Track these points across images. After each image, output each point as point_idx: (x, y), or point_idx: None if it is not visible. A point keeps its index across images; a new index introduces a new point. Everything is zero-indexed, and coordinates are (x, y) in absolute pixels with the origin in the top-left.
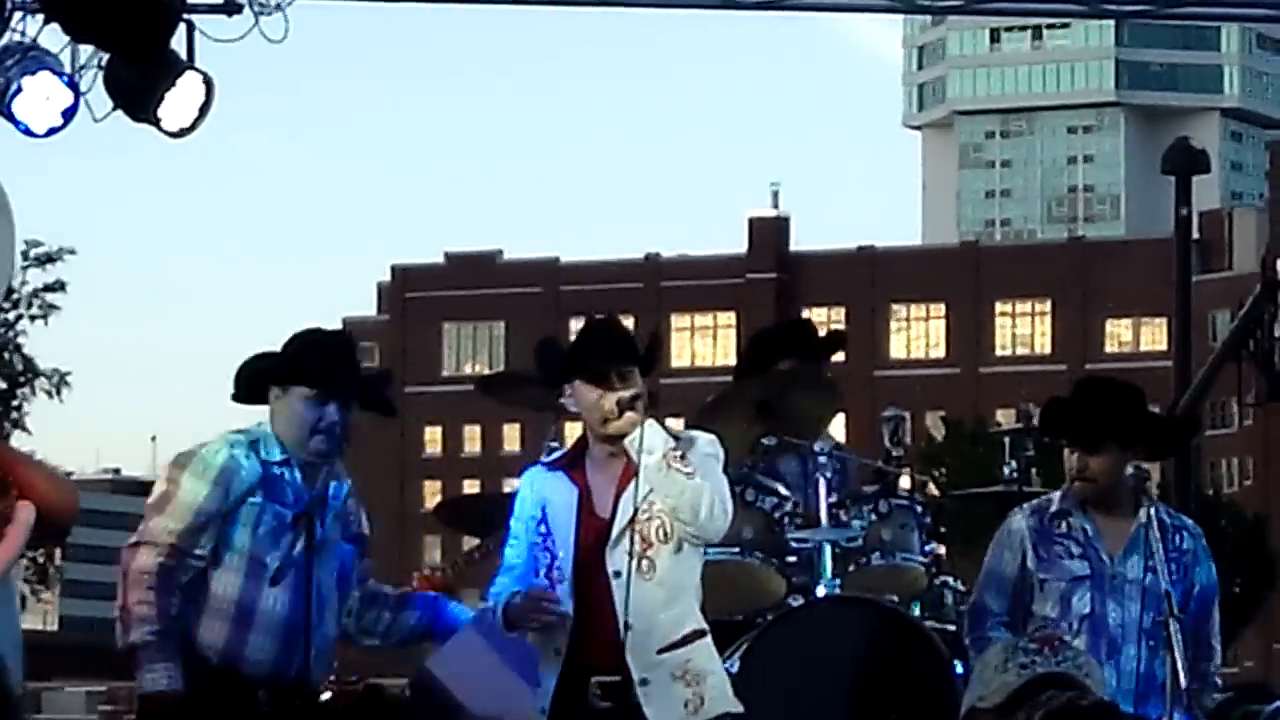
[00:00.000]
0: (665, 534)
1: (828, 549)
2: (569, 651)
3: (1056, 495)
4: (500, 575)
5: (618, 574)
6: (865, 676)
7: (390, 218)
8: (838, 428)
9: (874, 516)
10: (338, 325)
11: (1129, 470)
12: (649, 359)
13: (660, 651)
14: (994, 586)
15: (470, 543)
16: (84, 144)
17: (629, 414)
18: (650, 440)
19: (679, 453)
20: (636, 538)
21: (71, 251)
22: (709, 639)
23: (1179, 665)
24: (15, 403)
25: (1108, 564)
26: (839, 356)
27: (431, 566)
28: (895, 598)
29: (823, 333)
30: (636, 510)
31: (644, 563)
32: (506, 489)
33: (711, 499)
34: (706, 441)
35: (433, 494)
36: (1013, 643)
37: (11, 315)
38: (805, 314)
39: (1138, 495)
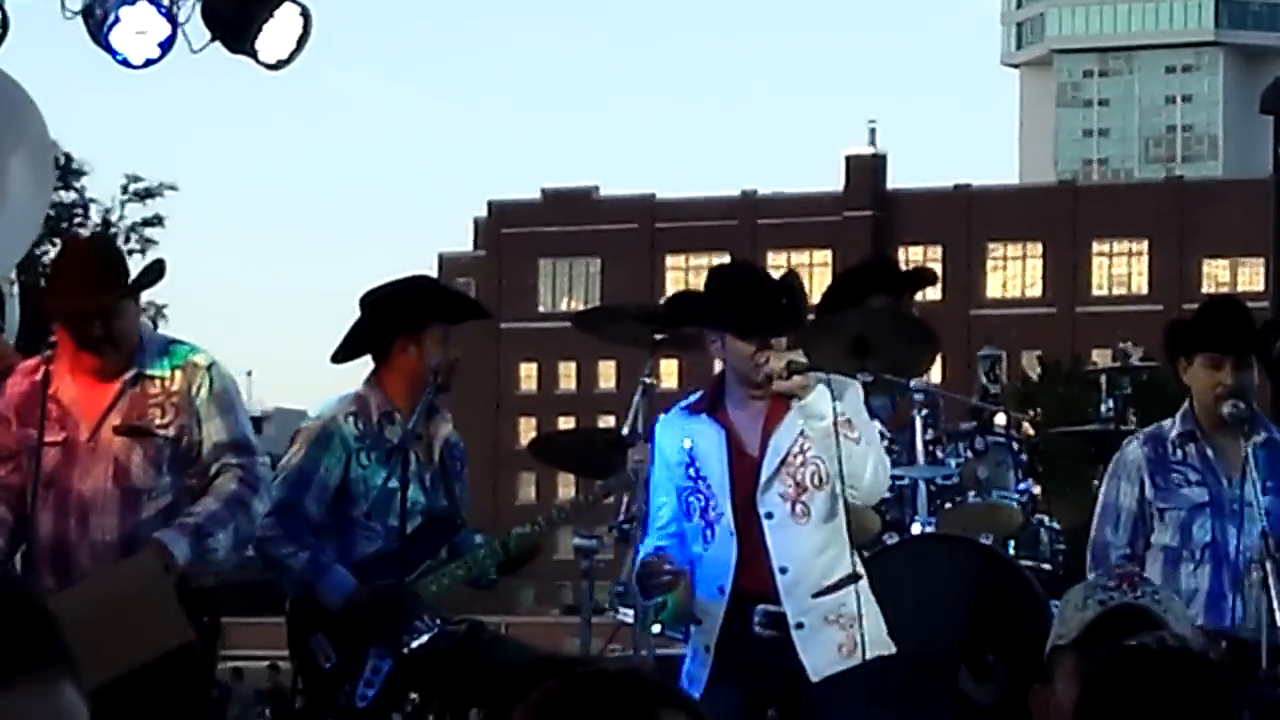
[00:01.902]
0: (820, 479)
1: (923, 486)
2: (732, 588)
3: (1173, 421)
4: (650, 526)
5: (770, 515)
6: (960, 615)
7: (487, 154)
8: (934, 366)
9: (969, 454)
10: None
11: None
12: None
13: (815, 595)
14: (1112, 519)
15: (565, 478)
16: (182, 76)
17: (798, 378)
18: (820, 406)
19: (846, 418)
20: (790, 481)
21: (173, 187)
22: (865, 582)
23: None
24: None
25: (1226, 489)
26: (935, 295)
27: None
28: (991, 536)
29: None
30: (788, 453)
31: (798, 507)
32: (601, 425)
33: (876, 464)
34: (854, 392)
35: (528, 431)
36: (1093, 580)
37: None
38: (901, 252)
39: (1245, 420)
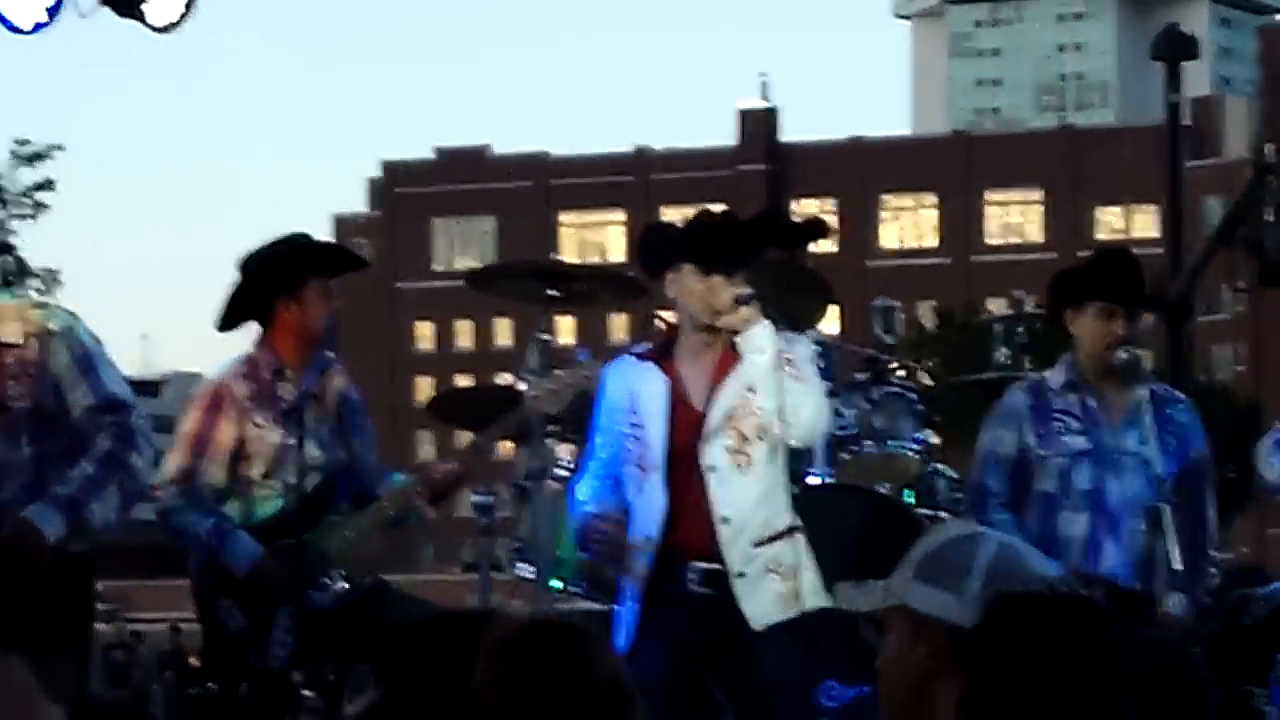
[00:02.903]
0: (763, 431)
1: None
2: (663, 540)
3: (1056, 370)
4: (588, 465)
5: (713, 468)
6: (858, 564)
7: (380, 114)
8: (830, 318)
9: (866, 404)
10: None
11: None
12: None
13: (756, 545)
14: (993, 466)
15: (463, 437)
16: (71, 41)
17: (744, 309)
18: (762, 340)
19: (788, 355)
20: (734, 432)
21: (60, 148)
22: (802, 535)
23: (1172, 548)
24: None
25: (1107, 437)
26: (830, 247)
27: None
28: (888, 485)
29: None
30: (734, 405)
31: (740, 458)
32: (499, 382)
33: (816, 405)
34: (804, 344)
35: (425, 389)
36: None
37: (1, 214)
38: (795, 205)
39: (1135, 370)
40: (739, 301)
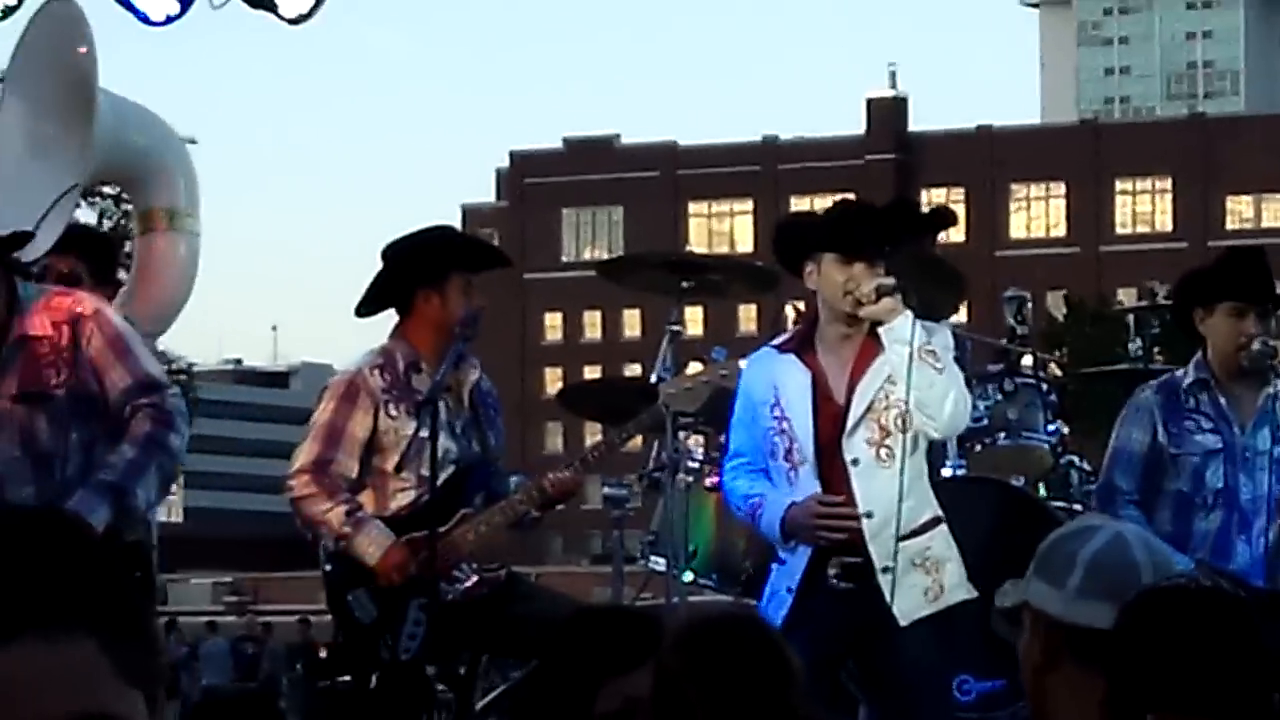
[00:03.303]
0: (904, 423)
1: None
2: None
3: (1187, 370)
4: (730, 460)
5: (856, 461)
6: (990, 557)
7: (508, 104)
8: (959, 309)
9: (999, 396)
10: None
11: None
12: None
13: (901, 539)
14: (1123, 464)
15: (593, 427)
16: (203, 32)
17: (887, 300)
18: (904, 331)
19: (930, 347)
20: (875, 425)
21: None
22: (945, 526)
23: None
24: None
25: (1239, 437)
26: (958, 236)
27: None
28: (1021, 478)
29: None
30: (875, 398)
31: (882, 451)
32: (627, 373)
33: (957, 397)
34: (945, 335)
35: (554, 381)
36: None
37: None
38: (924, 195)
39: (1267, 366)
40: (882, 291)
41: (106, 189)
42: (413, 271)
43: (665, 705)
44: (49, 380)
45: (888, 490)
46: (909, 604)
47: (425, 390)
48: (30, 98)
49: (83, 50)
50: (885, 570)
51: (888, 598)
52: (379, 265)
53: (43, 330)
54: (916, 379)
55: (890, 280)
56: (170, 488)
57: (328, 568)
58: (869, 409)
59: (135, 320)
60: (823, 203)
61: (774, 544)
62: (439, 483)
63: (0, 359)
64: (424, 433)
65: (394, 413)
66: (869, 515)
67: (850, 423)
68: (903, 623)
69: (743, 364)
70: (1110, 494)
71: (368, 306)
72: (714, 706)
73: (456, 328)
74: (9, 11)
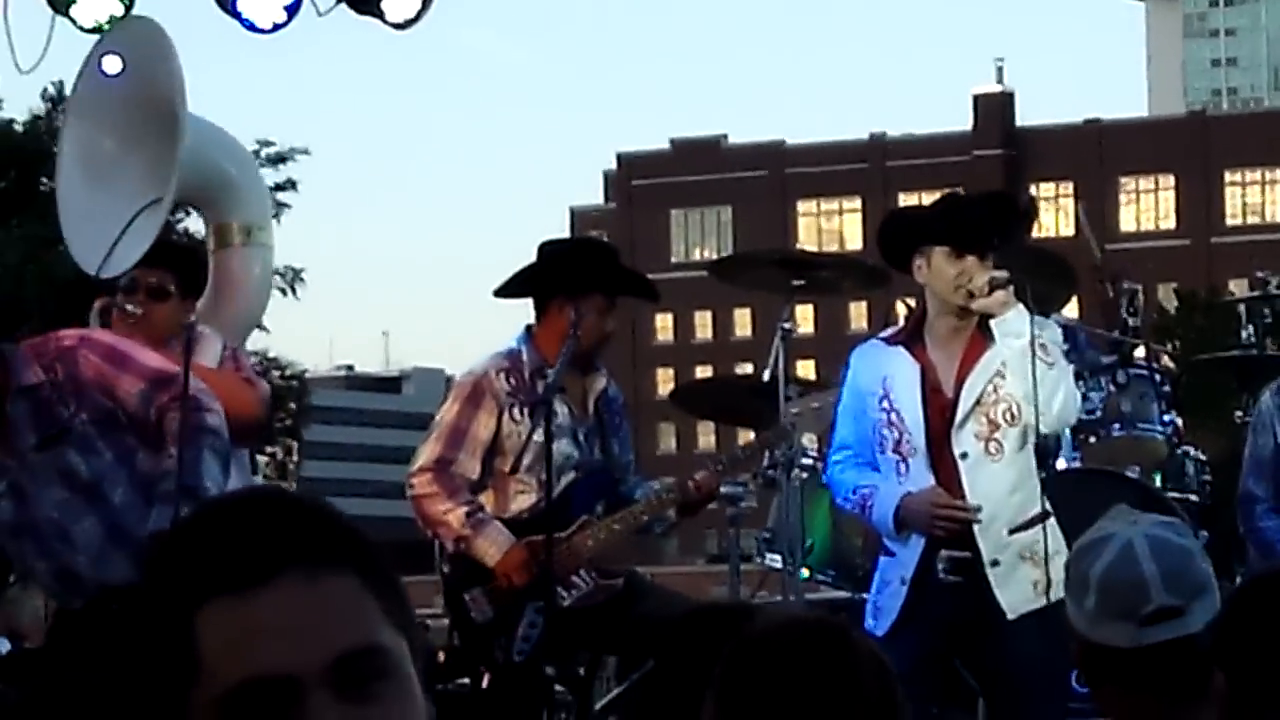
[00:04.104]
0: (1012, 416)
1: None
2: None
3: None
4: (837, 453)
5: (965, 455)
6: None
7: (615, 106)
8: (1071, 302)
9: (1112, 388)
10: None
11: None
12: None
13: (1010, 533)
14: (1255, 471)
15: (705, 427)
16: (310, 39)
17: (1000, 293)
18: (1017, 325)
19: (1042, 341)
20: (984, 419)
21: (305, 151)
22: (1054, 520)
23: None
24: None
25: None
26: (1069, 230)
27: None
28: (1136, 469)
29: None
30: (983, 392)
31: (991, 445)
32: (739, 373)
33: (1066, 394)
34: (1054, 329)
35: (665, 382)
36: None
37: None
38: (1033, 189)
39: None
40: (995, 284)
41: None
42: (558, 277)
43: (731, 707)
44: (62, 417)
45: (996, 484)
46: (1016, 597)
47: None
48: (101, 121)
49: (165, 66)
50: (994, 563)
51: (995, 591)
52: (533, 257)
53: (36, 378)
54: (1026, 373)
55: (1003, 273)
56: (229, 464)
57: (445, 569)
58: (978, 402)
59: (215, 333)
60: (931, 199)
61: (884, 534)
62: (559, 488)
63: (9, 419)
64: (539, 435)
65: (518, 416)
66: (978, 509)
67: (959, 416)
68: (1010, 616)
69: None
70: (1248, 506)
71: (508, 290)
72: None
73: (570, 329)
74: (112, 22)
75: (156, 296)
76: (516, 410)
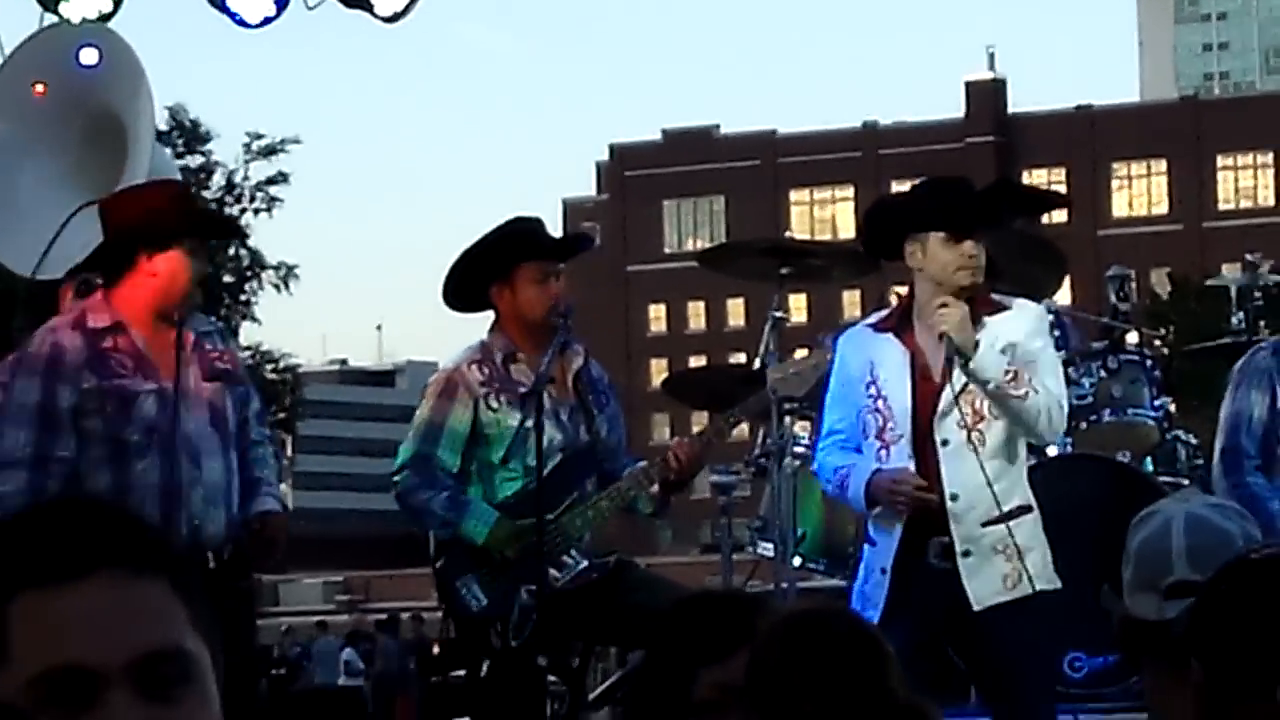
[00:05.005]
0: (995, 411)
1: None
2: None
3: None
4: (824, 439)
5: (945, 443)
6: (1099, 534)
7: (607, 97)
8: (1062, 288)
9: (1103, 373)
10: (558, 206)
11: None
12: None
13: (985, 525)
14: (1245, 427)
15: (699, 417)
16: (300, 33)
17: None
18: (983, 370)
19: (1012, 372)
20: (969, 408)
21: (296, 141)
22: (1035, 514)
23: None
24: (243, 296)
25: None
26: (1061, 216)
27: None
28: (1128, 453)
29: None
30: (967, 382)
31: (974, 435)
32: (731, 362)
33: (1047, 410)
34: (1030, 318)
35: (659, 372)
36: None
37: (236, 209)
38: (1025, 176)
39: None
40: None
41: None
42: (481, 269)
43: (760, 697)
44: (218, 365)
45: (974, 474)
46: (985, 590)
47: (526, 380)
48: (21, 126)
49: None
50: (965, 554)
51: (964, 581)
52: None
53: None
54: (1004, 413)
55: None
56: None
57: (437, 560)
58: (963, 390)
59: None
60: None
61: (859, 511)
62: (545, 471)
63: (187, 339)
64: (528, 423)
65: (495, 404)
66: (954, 498)
67: (943, 404)
68: (976, 608)
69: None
70: (1236, 458)
71: (452, 303)
72: (810, 697)
73: (553, 318)
74: (102, 19)
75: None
76: (493, 398)
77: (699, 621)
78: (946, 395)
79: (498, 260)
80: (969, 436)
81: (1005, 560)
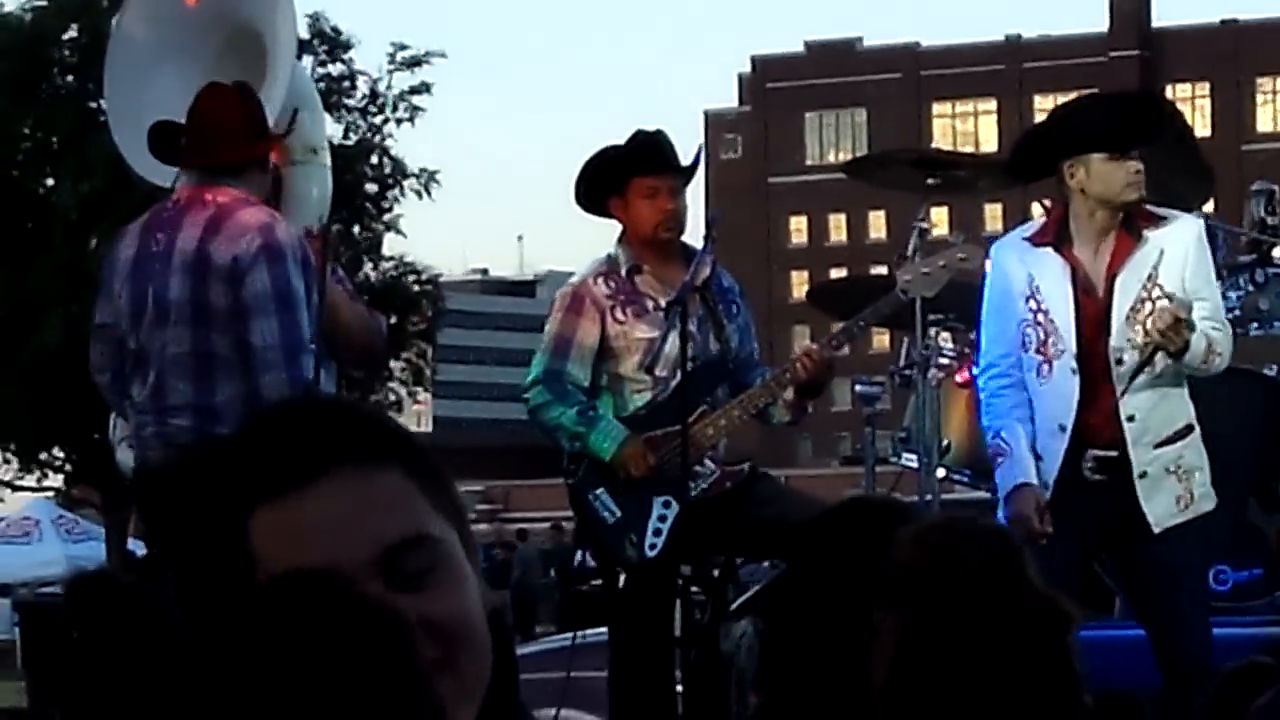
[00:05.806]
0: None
1: None
2: (1074, 426)
3: None
4: (985, 371)
5: (1119, 361)
6: (1247, 448)
7: (750, 8)
8: (1209, 202)
9: (1250, 287)
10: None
11: None
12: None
13: (1157, 446)
14: None
15: (838, 328)
16: None
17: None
18: (1180, 232)
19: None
20: (1139, 328)
21: (441, 55)
22: (1198, 433)
23: None
24: (386, 205)
25: None
26: (1204, 130)
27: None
28: (1275, 367)
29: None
30: (1137, 298)
31: (1144, 352)
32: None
33: (1218, 345)
34: (1197, 230)
35: (800, 285)
36: None
37: (379, 119)
38: (1169, 90)
39: None
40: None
41: None
42: (599, 182)
43: (898, 598)
44: None
45: (1148, 394)
46: (1162, 511)
47: (652, 292)
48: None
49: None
50: (1142, 475)
51: (1141, 503)
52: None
53: None
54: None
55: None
56: None
57: (570, 473)
58: (1132, 308)
59: None
60: (1066, 100)
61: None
62: (676, 382)
63: None
64: (656, 333)
65: (621, 317)
66: (1130, 419)
67: (1115, 321)
68: (1155, 530)
69: (976, 249)
70: None
71: (585, 205)
72: (946, 595)
73: (663, 233)
74: None
75: None
76: (619, 311)
77: (855, 529)
78: (1118, 312)
79: (613, 174)
80: (1140, 355)
81: (1177, 481)
